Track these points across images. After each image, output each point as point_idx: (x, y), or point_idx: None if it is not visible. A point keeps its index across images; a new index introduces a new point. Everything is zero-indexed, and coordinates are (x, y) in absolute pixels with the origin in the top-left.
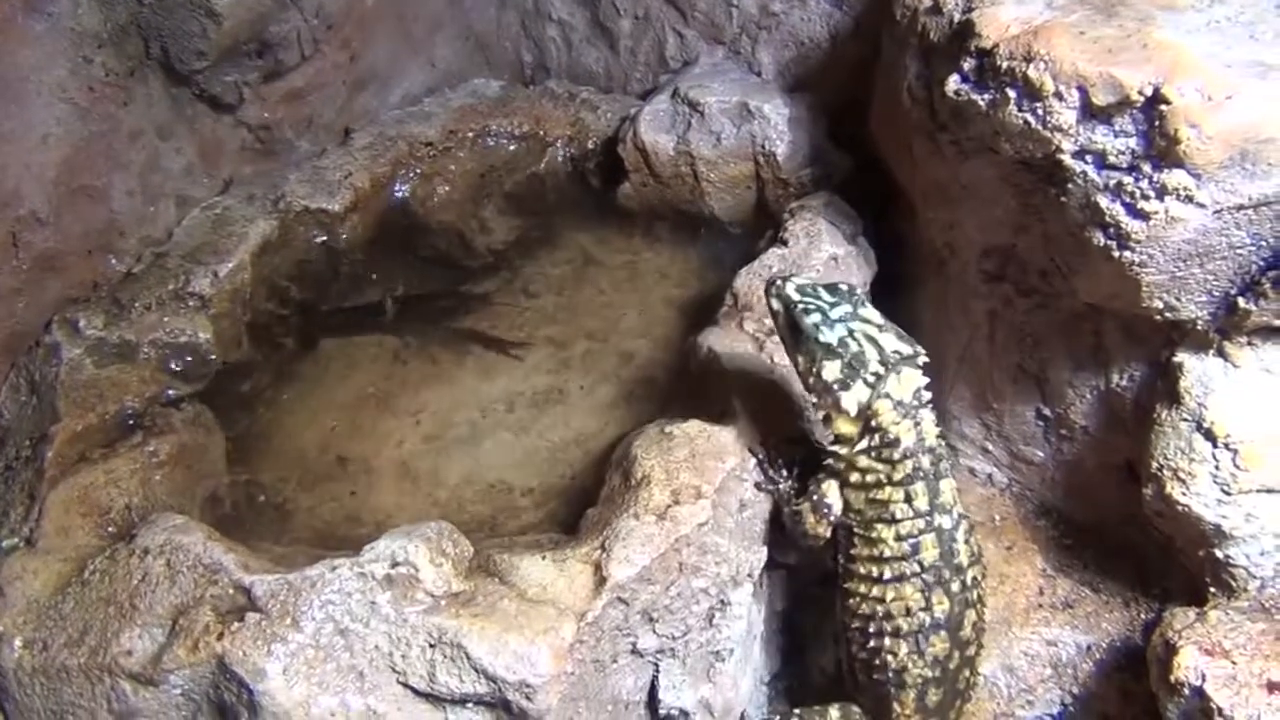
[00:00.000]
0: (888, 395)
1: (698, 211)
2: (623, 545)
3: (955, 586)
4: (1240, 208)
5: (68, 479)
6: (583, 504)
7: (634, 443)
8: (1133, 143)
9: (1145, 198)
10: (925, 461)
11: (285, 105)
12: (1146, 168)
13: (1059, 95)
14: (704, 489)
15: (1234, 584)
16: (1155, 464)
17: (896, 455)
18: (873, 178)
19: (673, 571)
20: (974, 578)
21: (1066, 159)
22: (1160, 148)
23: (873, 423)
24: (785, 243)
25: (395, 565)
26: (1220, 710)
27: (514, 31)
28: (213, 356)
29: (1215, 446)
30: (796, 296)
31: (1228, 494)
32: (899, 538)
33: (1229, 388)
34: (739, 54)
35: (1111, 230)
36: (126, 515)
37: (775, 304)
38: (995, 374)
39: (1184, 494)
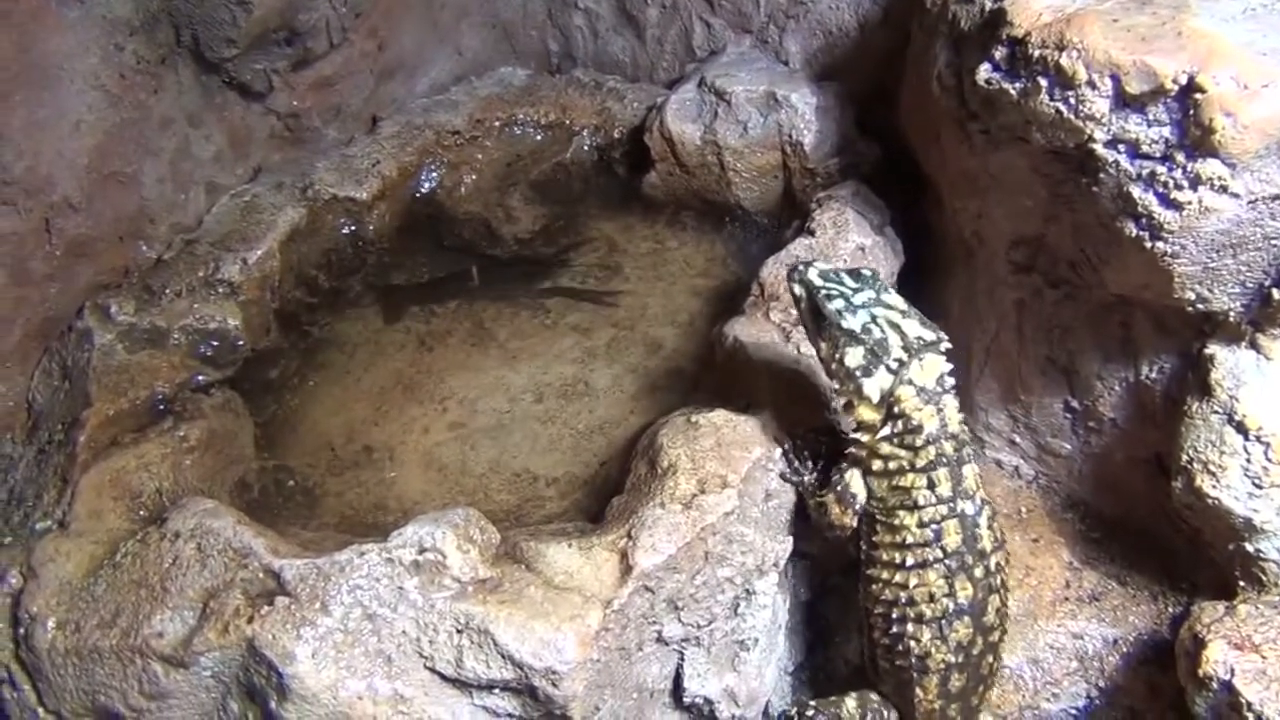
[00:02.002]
0: (910, 381)
1: (724, 201)
2: (649, 534)
3: (978, 572)
4: (1275, 198)
5: (99, 463)
6: (608, 493)
7: (660, 432)
8: (1166, 132)
9: (1179, 187)
10: (948, 448)
11: (314, 93)
12: (1180, 157)
13: (1091, 84)
14: (730, 478)
15: (1264, 578)
16: (1185, 457)
17: (919, 441)
18: (901, 167)
19: (698, 560)
20: (997, 563)
21: (1099, 148)
22: (1194, 137)
23: (895, 409)
24: (812, 233)
25: (423, 551)
26: (1249, 705)
27: (540, 20)
28: (241, 343)
29: (1247, 439)
30: (819, 282)
31: (1259, 487)
32: (921, 524)
33: (1261, 380)
34: (766, 43)
35: (1144, 220)
36: (157, 499)
37: (798, 289)
38: (1023, 365)
39: (1214, 487)
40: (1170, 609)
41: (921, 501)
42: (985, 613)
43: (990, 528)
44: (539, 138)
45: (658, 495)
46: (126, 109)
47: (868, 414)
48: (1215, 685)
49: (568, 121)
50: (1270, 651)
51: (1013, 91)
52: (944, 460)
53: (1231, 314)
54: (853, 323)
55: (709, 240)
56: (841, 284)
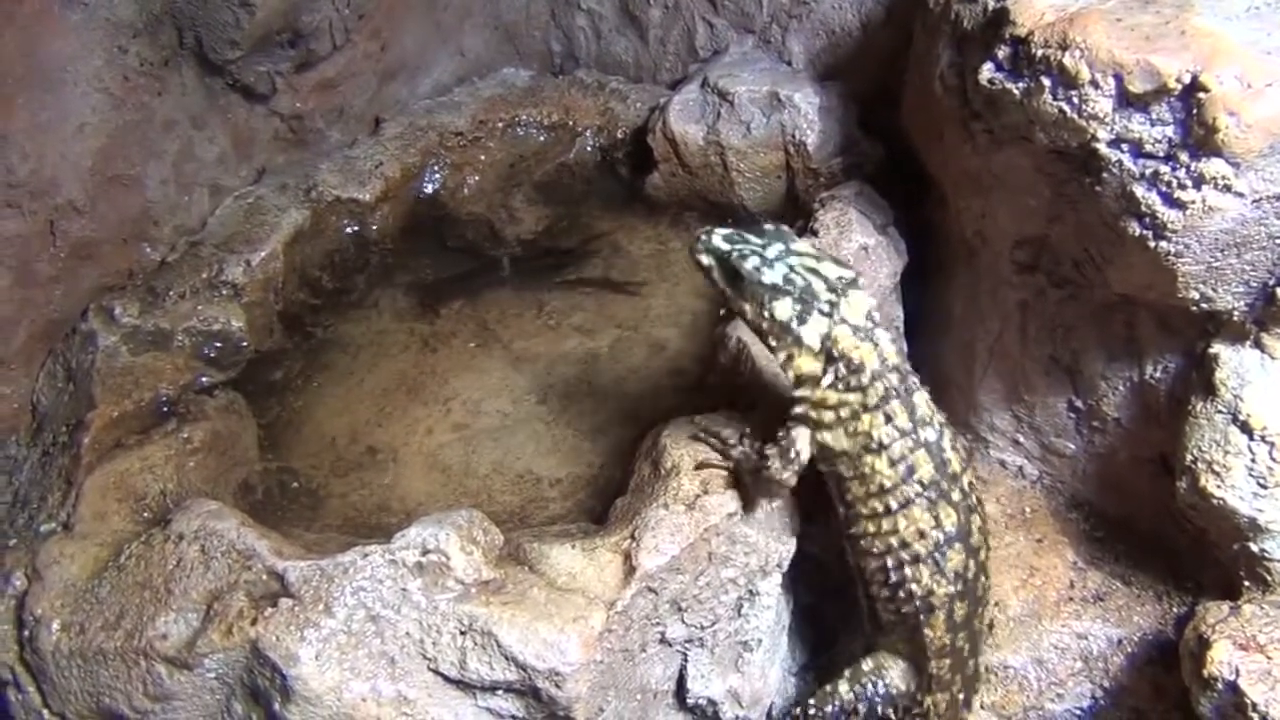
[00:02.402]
0: (844, 321)
1: (727, 202)
2: (652, 535)
3: (956, 496)
4: (1279, 197)
5: (104, 465)
6: (612, 494)
7: (663, 433)
8: (1170, 131)
9: (1182, 187)
10: (894, 380)
11: (317, 95)
12: (1184, 156)
13: (1095, 83)
14: (733, 478)
15: (1269, 578)
16: (1189, 456)
17: (865, 380)
18: (904, 167)
19: (702, 561)
20: (969, 482)
21: (1102, 148)
22: (1198, 136)
23: (834, 353)
24: (815, 233)
25: (426, 553)
26: (1254, 705)
27: (543, 20)
28: (245, 344)
29: (1251, 439)
30: (727, 246)
31: (1264, 487)
32: (892, 463)
33: (1265, 379)
34: (769, 43)
35: (1147, 220)
36: (161, 501)
37: (705, 259)
38: (1027, 365)
39: (1219, 487)
40: (1175, 609)
41: (885, 440)
42: (971, 534)
43: (955, 448)
44: (542, 138)
45: (661, 496)
46: (130, 111)
47: (809, 364)
48: (1220, 686)
49: (571, 122)
50: (1275, 652)
51: (1016, 91)
52: (894, 393)
53: (1236, 313)
54: (773, 276)
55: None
56: (748, 242)
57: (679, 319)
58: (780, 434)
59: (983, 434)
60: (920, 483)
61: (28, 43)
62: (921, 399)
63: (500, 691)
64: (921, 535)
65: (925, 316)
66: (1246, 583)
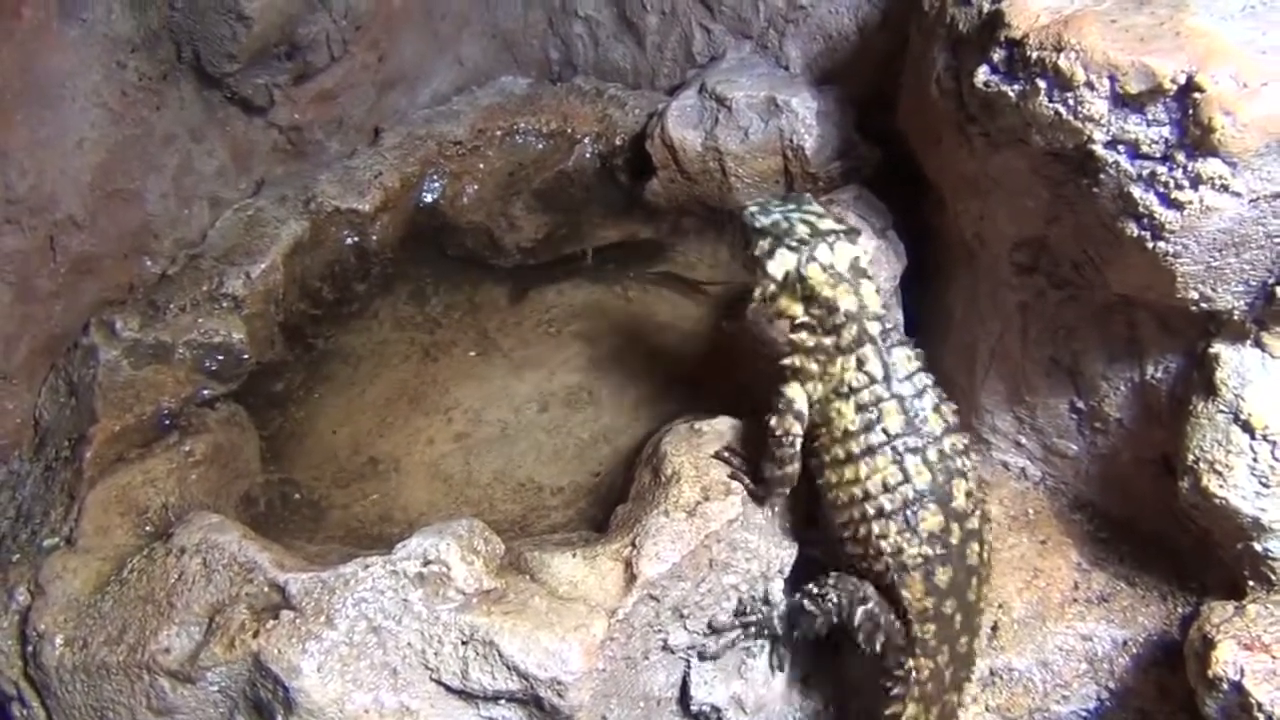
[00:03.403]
0: (816, 259)
1: (726, 207)
2: (653, 542)
3: (932, 455)
4: (1277, 196)
5: (106, 479)
6: (613, 502)
7: (663, 439)
8: (1166, 132)
9: (1179, 187)
10: (872, 328)
11: (315, 106)
12: (1180, 157)
13: (1090, 85)
14: (734, 485)
15: (1273, 577)
16: (1191, 456)
17: (839, 320)
18: (902, 170)
19: (703, 568)
20: (953, 445)
21: (1098, 149)
22: (1194, 136)
23: (807, 291)
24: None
25: (427, 563)
26: (1260, 705)
27: (541, 29)
28: (246, 356)
29: (1253, 438)
30: (752, 207)
31: (1266, 486)
32: (859, 408)
33: (1266, 379)
34: (766, 48)
35: (1145, 220)
36: (163, 514)
37: (735, 235)
38: (1028, 367)
39: (1221, 487)
40: (1180, 609)
41: (854, 384)
42: (953, 498)
43: (937, 411)
44: (541, 146)
45: (662, 503)
46: (129, 126)
47: (787, 304)
48: (1225, 686)
49: (569, 130)
50: None
51: (1011, 94)
52: (868, 338)
53: (1235, 313)
54: (764, 221)
55: (710, 246)
56: (767, 201)
57: (679, 325)
58: (775, 395)
59: (985, 436)
60: (885, 432)
61: (26, 58)
62: (903, 354)
63: (503, 701)
64: (886, 487)
65: (925, 319)
66: (1251, 582)
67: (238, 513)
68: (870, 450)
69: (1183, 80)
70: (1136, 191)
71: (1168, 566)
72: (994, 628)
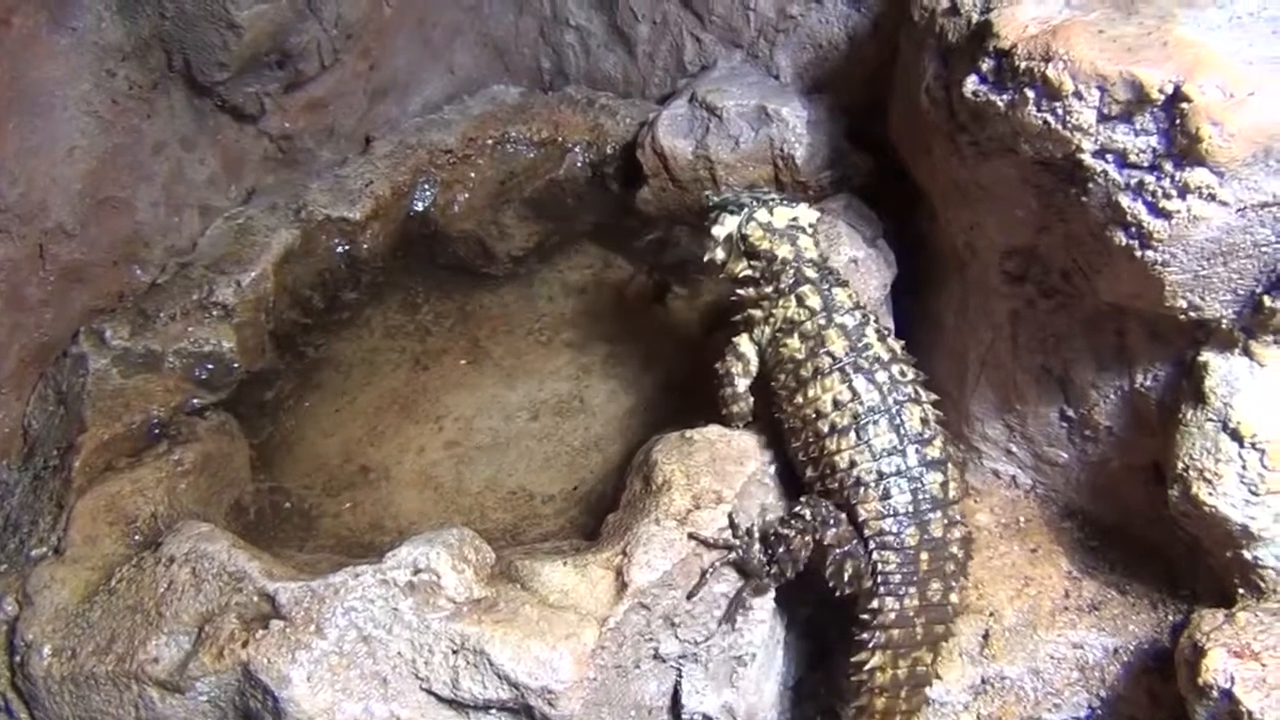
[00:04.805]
0: (755, 220)
1: None
2: (644, 550)
3: (881, 377)
4: (1264, 205)
5: (95, 488)
6: (604, 510)
7: (654, 448)
8: (1154, 141)
9: (1167, 196)
10: (810, 271)
11: (306, 115)
12: (1168, 166)
13: (1078, 95)
14: (725, 493)
15: (1263, 585)
16: (1181, 464)
17: (776, 267)
18: (893, 179)
19: (694, 576)
20: (902, 371)
21: (1087, 159)
22: (1182, 146)
23: (749, 249)
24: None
25: (418, 572)
26: (1250, 713)
27: (532, 38)
28: (236, 365)
29: (1242, 446)
30: (709, 191)
31: (1255, 494)
32: (804, 338)
33: (1255, 387)
34: (757, 57)
35: (1133, 229)
36: (152, 523)
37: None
38: (1018, 375)
39: (1210, 495)
40: (1170, 617)
41: (797, 318)
42: (904, 419)
43: (883, 340)
44: (532, 155)
45: (653, 511)
46: (119, 134)
47: (733, 264)
48: (1215, 694)
49: (560, 138)
50: (1270, 659)
51: (1000, 103)
52: (806, 279)
53: (1224, 321)
54: (715, 199)
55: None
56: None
57: (670, 334)
58: (728, 348)
59: (976, 444)
60: (831, 355)
61: (16, 67)
62: (844, 294)
63: (493, 710)
64: (837, 404)
65: (916, 328)
66: (1241, 590)
67: (227, 522)
68: (819, 372)
69: (1170, 90)
70: (1125, 200)
71: (1158, 574)
72: (985, 636)
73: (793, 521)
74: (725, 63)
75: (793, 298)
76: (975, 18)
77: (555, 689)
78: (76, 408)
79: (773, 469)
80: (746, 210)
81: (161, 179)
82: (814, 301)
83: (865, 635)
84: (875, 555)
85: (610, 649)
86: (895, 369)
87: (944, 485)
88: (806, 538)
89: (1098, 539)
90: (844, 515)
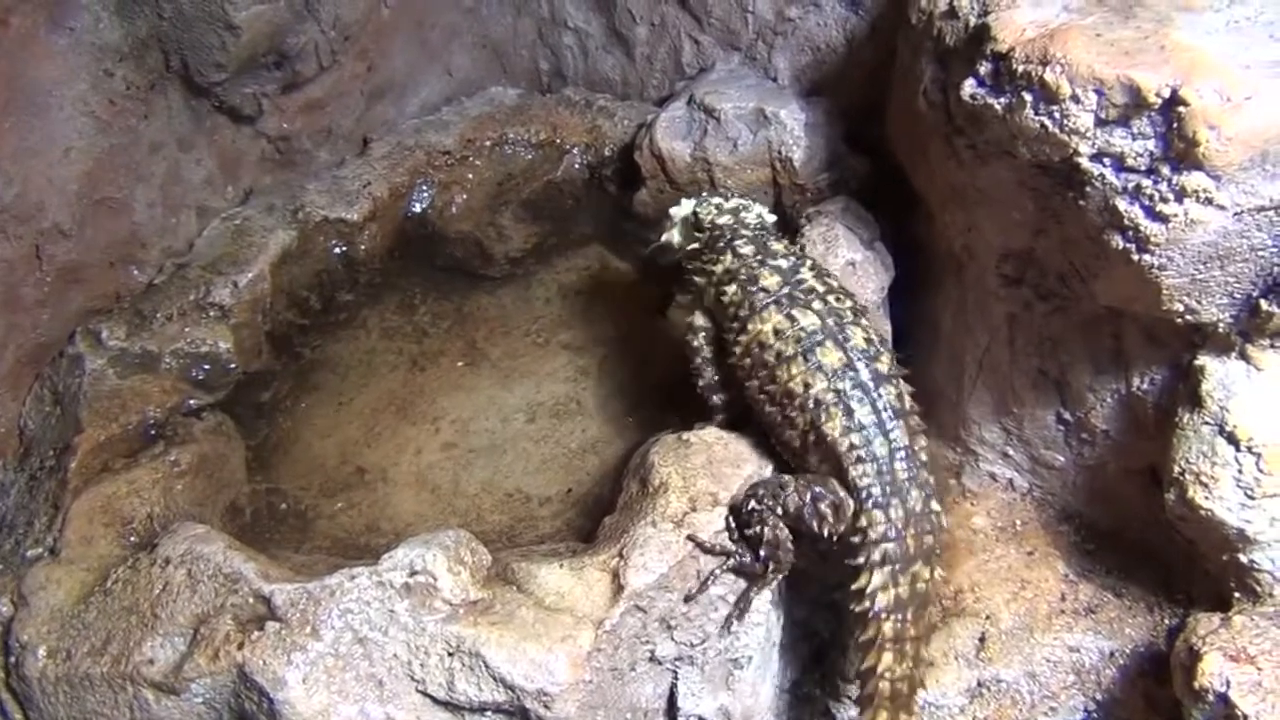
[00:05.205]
0: (707, 201)
1: None
2: (640, 553)
3: (818, 305)
4: (1261, 209)
5: (91, 489)
6: (601, 512)
7: (651, 450)
8: (1151, 145)
9: (1164, 200)
10: (745, 232)
11: (304, 116)
12: (1165, 170)
13: (1076, 98)
14: (721, 496)
15: (1259, 589)
16: (1177, 468)
17: (716, 233)
18: (890, 182)
19: (690, 579)
20: (839, 298)
21: (1084, 162)
22: (1179, 150)
23: (699, 225)
24: (802, 248)
25: (414, 574)
26: (1245, 717)
27: (530, 39)
28: (233, 366)
29: (1238, 450)
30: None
31: (1251, 498)
32: (741, 283)
33: (1251, 391)
34: (755, 60)
35: (1130, 233)
36: (148, 524)
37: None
38: (1015, 378)
39: (1207, 498)
40: (1167, 620)
41: (732, 266)
42: (852, 337)
43: (821, 277)
44: (530, 156)
45: (649, 514)
46: (116, 134)
47: (681, 239)
48: (1211, 698)
49: (558, 140)
50: (1266, 663)
51: (998, 107)
52: (741, 235)
53: (1221, 325)
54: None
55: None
56: None
57: (667, 336)
58: (686, 323)
59: (973, 447)
60: (765, 290)
61: (13, 67)
62: (781, 245)
63: (489, 712)
64: (779, 334)
65: (913, 330)
66: (1237, 594)
67: (223, 523)
68: (755, 309)
69: (1167, 94)
70: (1122, 204)
71: (1154, 578)
72: (981, 639)
73: (751, 516)
74: (723, 65)
75: (728, 251)
76: (973, 21)
77: (551, 691)
78: (73, 408)
79: (769, 471)
80: (704, 195)
81: (158, 179)
82: (746, 250)
83: (860, 559)
84: (851, 471)
85: (606, 651)
86: (831, 298)
87: (900, 397)
88: (772, 520)
89: (1094, 542)
90: (786, 478)
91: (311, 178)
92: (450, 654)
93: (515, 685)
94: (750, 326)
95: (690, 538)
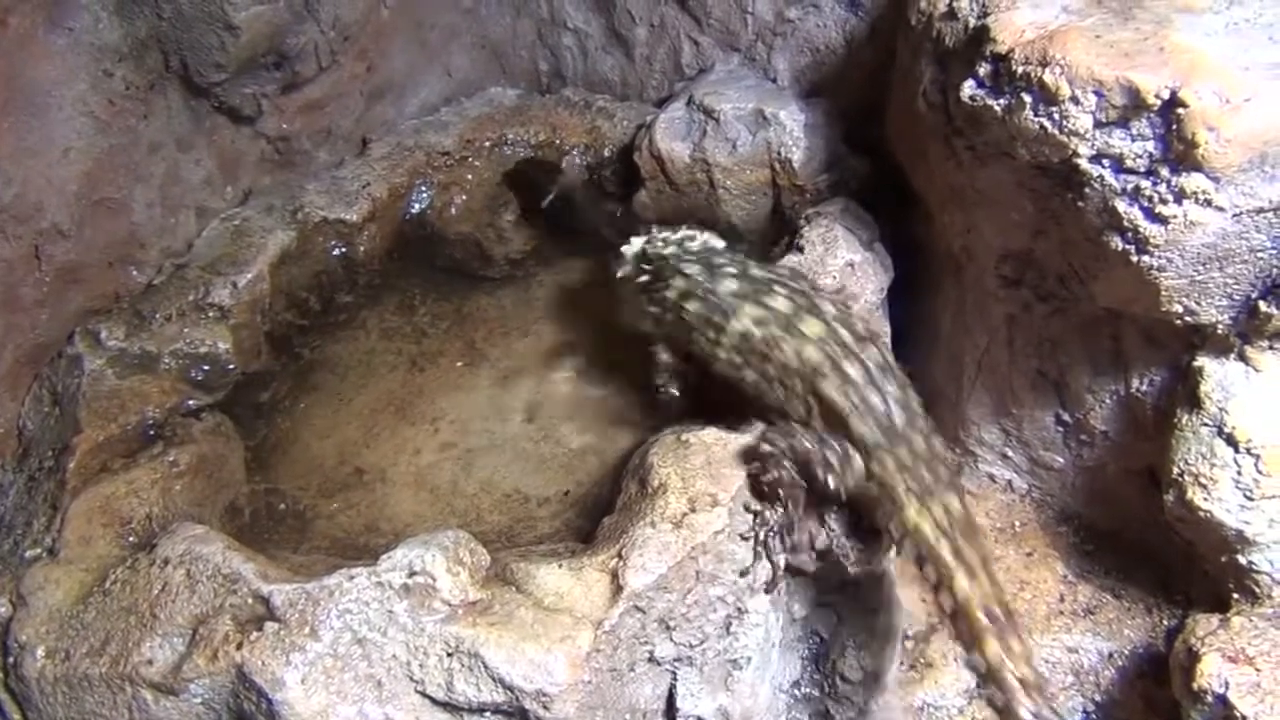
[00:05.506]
0: (658, 238)
1: (714, 219)
2: (639, 553)
3: (781, 291)
4: (1260, 211)
5: (89, 489)
6: (600, 513)
7: (650, 450)
8: (1150, 146)
9: (1163, 202)
10: (689, 257)
11: (303, 116)
12: (1164, 171)
13: (1075, 99)
14: (720, 496)
15: (1258, 590)
16: (1176, 469)
17: (660, 263)
18: (889, 183)
19: (689, 579)
20: (798, 286)
21: (1083, 163)
22: (1178, 151)
23: (648, 261)
24: (801, 249)
25: (412, 574)
26: (1244, 718)
27: (530, 40)
28: (232, 366)
29: (1237, 451)
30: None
31: (1250, 499)
32: (699, 298)
33: (1250, 392)
34: (754, 61)
35: (1129, 234)
36: (147, 525)
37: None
38: (1014, 379)
39: (1205, 500)
40: (1165, 622)
41: (687, 288)
42: (821, 311)
43: (771, 272)
44: (527, 155)
45: (648, 514)
46: (115, 135)
47: (632, 272)
48: (1210, 699)
49: (558, 141)
50: (1265, 664)
51: (997, 108)
52: (685, 259)
53: (1219, 326)
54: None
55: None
56: None
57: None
58: (650, 359)
59: (971, 448)
60: (730, 292)
61: (12, 67)
62: (725, 259)
63: (488, 713)
64: (760, 322)
65: (913, 331)
66: (1235, 595)
67: (222, 523)
68: (726, 314)
69: (1167, 96)
70: (1121, 205)
71: (1153, 579)
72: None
73: (767, 460)
74: (723, 66)
75: (676, 275)
76: (972, 22)
77: (550, 692)
78: (71, 408)
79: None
80: (654, 232)
81: (158, 180)
82: (693, 269)
83: (888, 503)
84: (854, 426)
85: (605, 652)
86: (791, 284)
87: (882, 354)
88: (785, 463)
89: (1093, 543)
90: (796, 426)
91: (311, 178)
92: (449, 654)
93: (514, 686)
94: (730, 327)
95: (744, 536)
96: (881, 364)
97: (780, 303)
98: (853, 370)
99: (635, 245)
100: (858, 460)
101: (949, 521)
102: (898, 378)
